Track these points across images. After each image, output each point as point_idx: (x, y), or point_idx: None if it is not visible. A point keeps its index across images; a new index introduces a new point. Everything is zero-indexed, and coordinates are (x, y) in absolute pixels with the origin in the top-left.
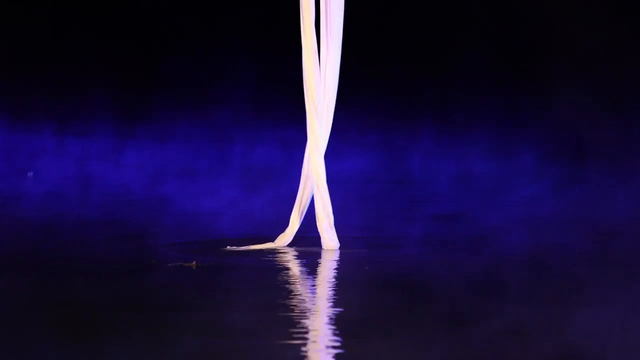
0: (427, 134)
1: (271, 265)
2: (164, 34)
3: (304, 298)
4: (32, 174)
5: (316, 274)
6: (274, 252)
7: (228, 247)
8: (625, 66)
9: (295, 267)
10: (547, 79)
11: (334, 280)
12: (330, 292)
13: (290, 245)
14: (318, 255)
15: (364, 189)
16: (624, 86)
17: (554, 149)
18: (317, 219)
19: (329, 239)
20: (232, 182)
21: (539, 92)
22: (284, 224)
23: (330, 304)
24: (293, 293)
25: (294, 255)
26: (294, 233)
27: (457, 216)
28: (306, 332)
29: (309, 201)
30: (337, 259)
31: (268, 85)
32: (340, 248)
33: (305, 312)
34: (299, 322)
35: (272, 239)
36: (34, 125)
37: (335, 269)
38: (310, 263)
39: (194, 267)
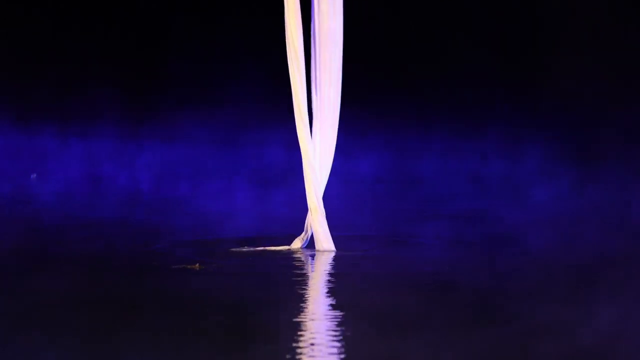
0: (436, 134)
1: (284, 267)
2: (168, 33)
3: (319, 300)
4: (35, 175)
5: (335, 274)
6: (288, 254)
7: (244, 248)
8: (634, 61)
9: (313, 268)
10: (557, 77)
11: (352, 280)
12: (352, 292)
13: (306, 247)
14: (333, 256)
15: (372, 189)
16: (633, 80)
17: (564, 148)
18: (310, 213)
19: (323, 234)
20: (238, 184)
21: (548, 91)
22: (288, 225)
23: (352, 304)
24: (305, 295)
25: (309, 257)
26: (309, 236)
27: (470, 216)
28: (321, 334)
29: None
30: (353, 259)
31: (275, 85)
32: (354, 249)
33: (321, 315)
34: (309, 325)
35: (279, 240)
36: (37, 126)
37: (351, 269)
38: (325, 263)
39: (197, 269)
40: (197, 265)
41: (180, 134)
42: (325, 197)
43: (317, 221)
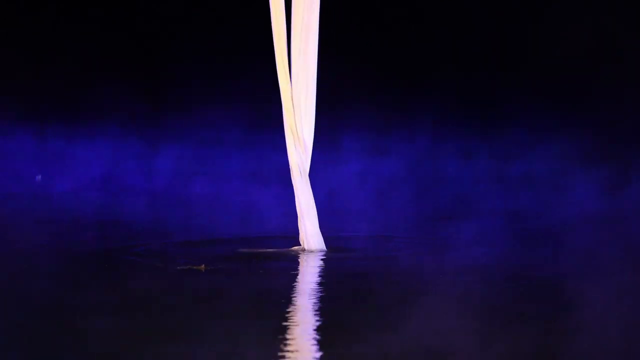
0: (452, 135)
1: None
2: (177, 31)
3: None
4: (39, 177)
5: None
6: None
7: (261, 249)
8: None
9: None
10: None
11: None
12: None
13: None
14: (346, 256)
15: (391, 190)
16: None
17: (593, 148)
18: (297, 208)
19: (311, 227)
20: (253, 184)
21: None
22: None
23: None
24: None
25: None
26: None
27: (504, 214)
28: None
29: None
30: (383, 261)
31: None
32: (393, 252)
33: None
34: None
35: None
36: (46, 126)
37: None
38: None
39: (203, 270)
40: (203, 266)
41: (192, 133)
42: (344, 197)
43: (304, 194)
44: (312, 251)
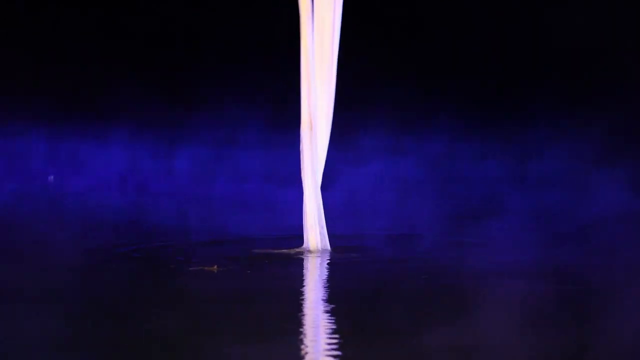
0: (472, 134)
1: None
2: (193, 30)
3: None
4: (52, 177)
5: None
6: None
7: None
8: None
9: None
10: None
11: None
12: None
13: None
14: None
15: (412, 190)
16: None
17: (617, 143)
18: (304, 206)
19: (316, 223)
20: (272, 185)
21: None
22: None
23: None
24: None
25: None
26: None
27: (524, 216)
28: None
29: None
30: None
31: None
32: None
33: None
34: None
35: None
36: (57, 127)
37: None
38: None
39: (215, 271)
40: (215, 267)
41: (209, 133)
42: (364, 197)
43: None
44: (311, 251)
